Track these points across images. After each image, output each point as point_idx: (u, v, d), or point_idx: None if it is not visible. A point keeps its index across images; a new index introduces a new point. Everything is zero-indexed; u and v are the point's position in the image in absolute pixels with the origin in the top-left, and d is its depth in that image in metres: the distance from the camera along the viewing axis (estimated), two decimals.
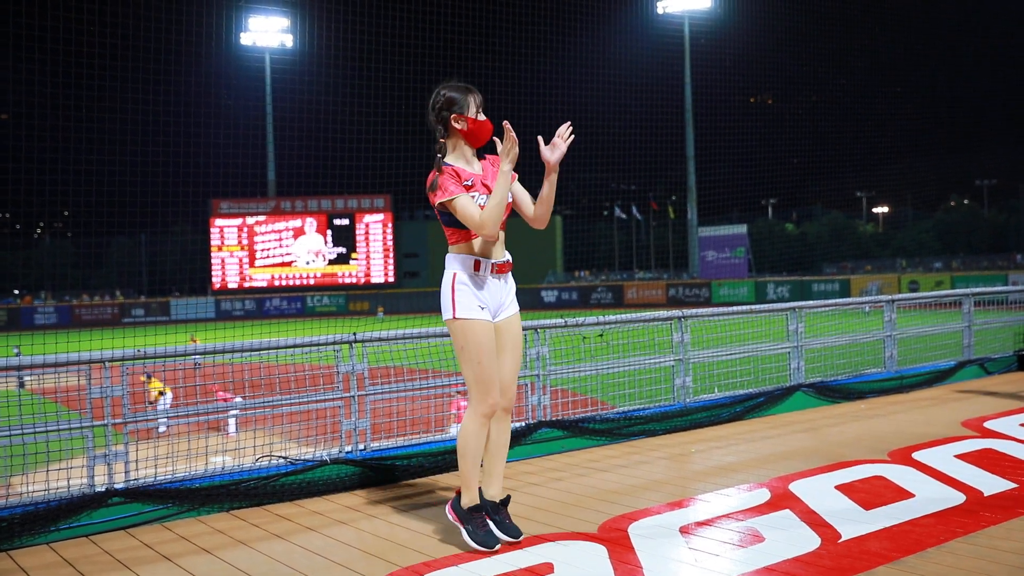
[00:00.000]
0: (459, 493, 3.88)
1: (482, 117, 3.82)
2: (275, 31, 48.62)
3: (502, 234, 3.87)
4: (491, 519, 3.84)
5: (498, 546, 3.73)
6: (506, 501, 3.91)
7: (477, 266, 3.80)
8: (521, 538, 3.82)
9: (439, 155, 3.81)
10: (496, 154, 3.87)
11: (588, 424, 5.93)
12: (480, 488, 3.89)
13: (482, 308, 3.79)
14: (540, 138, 3.79)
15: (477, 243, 3.80)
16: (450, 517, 3.90)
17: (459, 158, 3.85)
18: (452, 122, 3.80)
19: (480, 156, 3.93)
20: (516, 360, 3.92)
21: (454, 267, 3.83)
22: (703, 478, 5.01)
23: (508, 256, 3.92)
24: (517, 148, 3.67)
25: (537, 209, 3.88)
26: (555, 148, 3.75)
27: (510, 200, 3.83)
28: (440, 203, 3.73)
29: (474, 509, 3.81)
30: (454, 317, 3.79)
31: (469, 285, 3.79)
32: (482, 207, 3.72)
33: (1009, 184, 60.14)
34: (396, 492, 4.87)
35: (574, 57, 42.92)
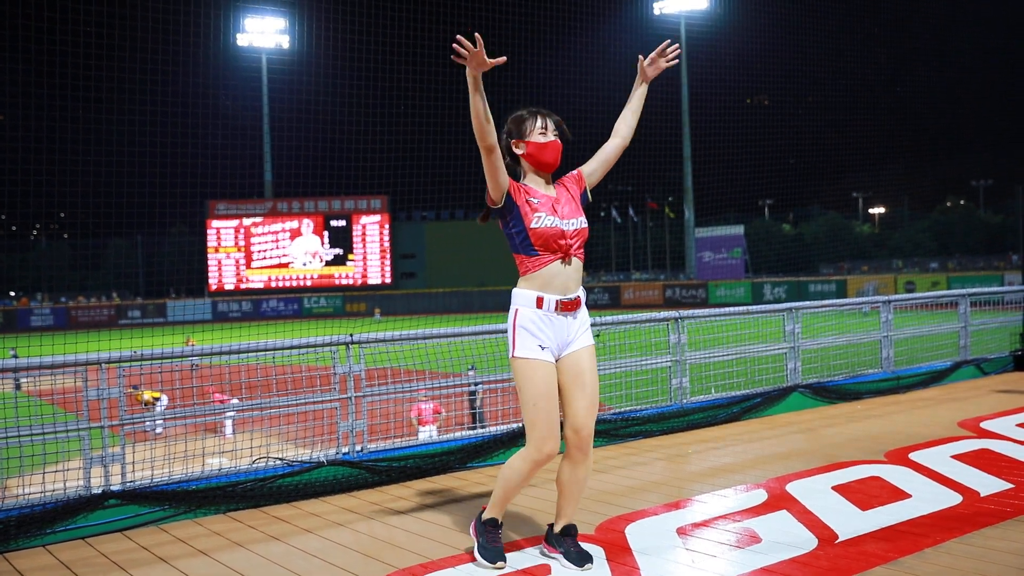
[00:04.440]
0: (483, 509, 3.78)
1: (546, 138, 3.63)
2: (272, 32, 48.56)
3: (578, 263, 3.66)
4: (558, 551, 3.68)
5: (501, 563, 3.60)
6: (570, 530, 3.70)
7: (540, 303, 3.57)
8: (590, 566, 3.58)
9: None
10: (566, 175, 3.79)
11: None
12: (551, 524, 3.76)
13: (543, 348, 3.58)
14: (640, 56, 3.81)
15: (542, 276, 3.58)
16: (471, 532, 3.79)
17: (532, 181, 3.68)
18: (513, 148, 3.67)
19: (557, 181, 3.76)
20: (590, 397, 3.64)
21: (517, 303, 3.62)
22: (700, 479, 5.02)
23: (580, 292, 3.69)
24: (475, 57, 3.33)
25: (625, 126, 3.89)
26: (656, 65, 3.78)
27: (583, 227, 3.66)
28: (491, 199, 3.56)
29: (489, 523, 3.70)
30: (513, 355, 3.60)
31: (532, 322, 3.58)
32: (550, 229, 3.54)
33: (1005, 185, 60.21)
34: (393, 494, 4.87)
35: (570, 57, 42.94)
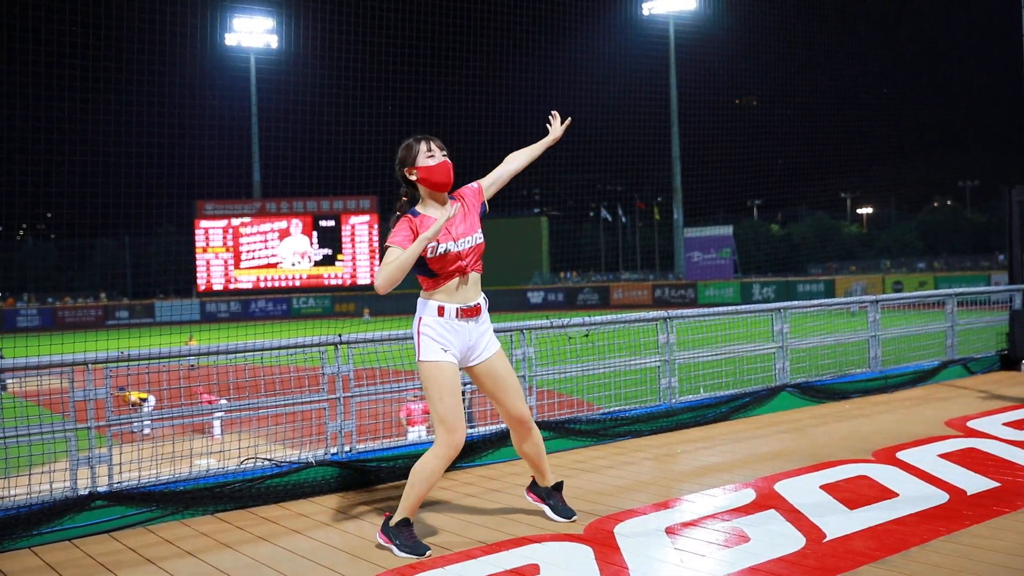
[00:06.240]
0: (388, 517, 3.90)
1: (434, 161, 3.88)
2: (260, 32, 48.40)
3: (475, 275, 3.94)
4: (546, 503, 4.21)
5: (428, 552, 3.75)
6: (559, 486, 4.23)
7: (441, 311, 3.87)
8: (574, 519, 4.12)
9: (399, 206, 3.93)
10: (458, 190, 4.03)
11: (574, 425, 5.94)
12: (534, 479, 4.26)
13: (445, 351, 3.87)
14: (555, 113, 4.12)
15: (443, 291, 3.89)
16: (381, 541, 3.89)
17: (429, 207, 3.94)
18: (407, 175, 3.93)
19: (450, 196, 4.01)
20: (516, 389, 4.06)
21: (421, 311, 3.92)
22: (689, 479, 5.03)
23: (480, 299, 3.97)
24: (440, 218, 3.81)
25: (518, 164, 4.17)
26: (557, 129, 4.13)
27: (479, 243, 3.92)
28: (384, 245, 3.86)
29: (402, 523, 3.85)
30: (419, 360, 3.90)
31: (433, 329, 3.87)
32: (445, 256, 3.83)
33: (991, 185, 60.60)
34: (382, 494, 4.86)
35: (560, 58, 42.97)
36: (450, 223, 3.88)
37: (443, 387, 3.83)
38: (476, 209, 3.99)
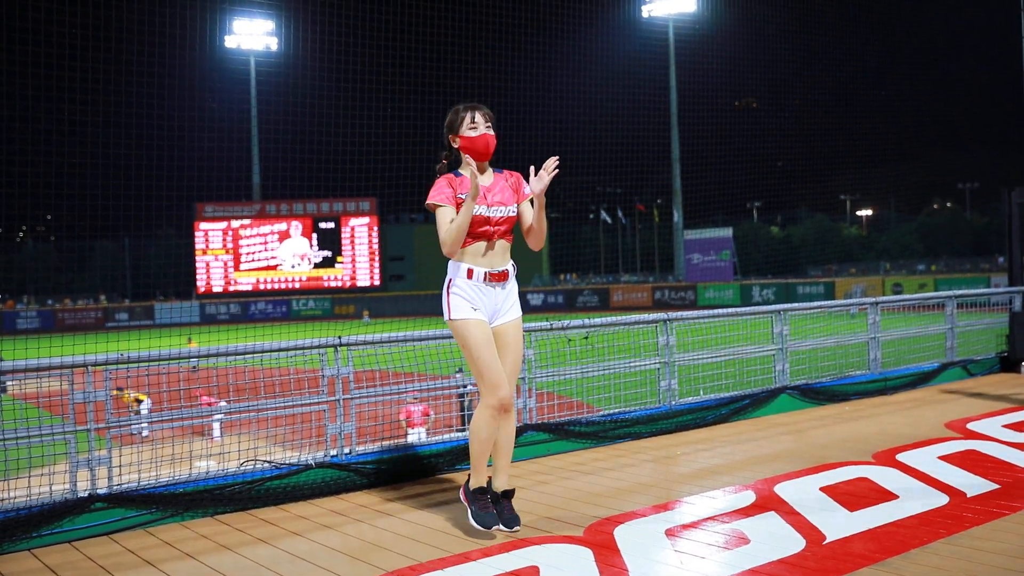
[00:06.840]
0: (469, 477, 4.12)
1: (476, 132, 4.01)
2: (260, 34, 48.41)
3: (503, 243, 4.07)
4: (493, 508, 4.09)
5: (495, 527, 3.95)
6: (509, 494, 4.10)
7: (470, 274, 4.00)
8: (517, 528, 4.01)
9: (440, 168, 4.10)
10: (513, 170, 4.16)
11: (574, 427, 5.94)
12: (489, 479, 4.14)
13: (475, 309, 3.99)
14: (532, 167, 4.02)
15: (469, 252, 4.01)
16: (461, 498, 4.15)
17: (469, 171, 4.05)
18: (451, 143, 4.10)
19: (498, 169, 4.17)
20: (515, 362, 4.12)
21: (450, 273, 4.05)
22: (689, 480, 5.03)
23: (508, 266, 4.09)
24: (478, 183, 3.87)
25: (528, 239, 4.17)
26: (539, 179, 3.98)
27: (511, 215, 4.05)
28: (427, 204, 4.01)
29: (479, 491, 4.03)
30: (450, 319, 4.03)
31: (463, 290, 4.00)
32: (475, 217, 3.95)
33: (991, 187, 60.61)
34: (381, 496, 4.86)
35: (559, 61, 42.97)
36: (487, 189, 4.01)
37: (479, 342, 3.93)
38: (510, 192, 4.09)
